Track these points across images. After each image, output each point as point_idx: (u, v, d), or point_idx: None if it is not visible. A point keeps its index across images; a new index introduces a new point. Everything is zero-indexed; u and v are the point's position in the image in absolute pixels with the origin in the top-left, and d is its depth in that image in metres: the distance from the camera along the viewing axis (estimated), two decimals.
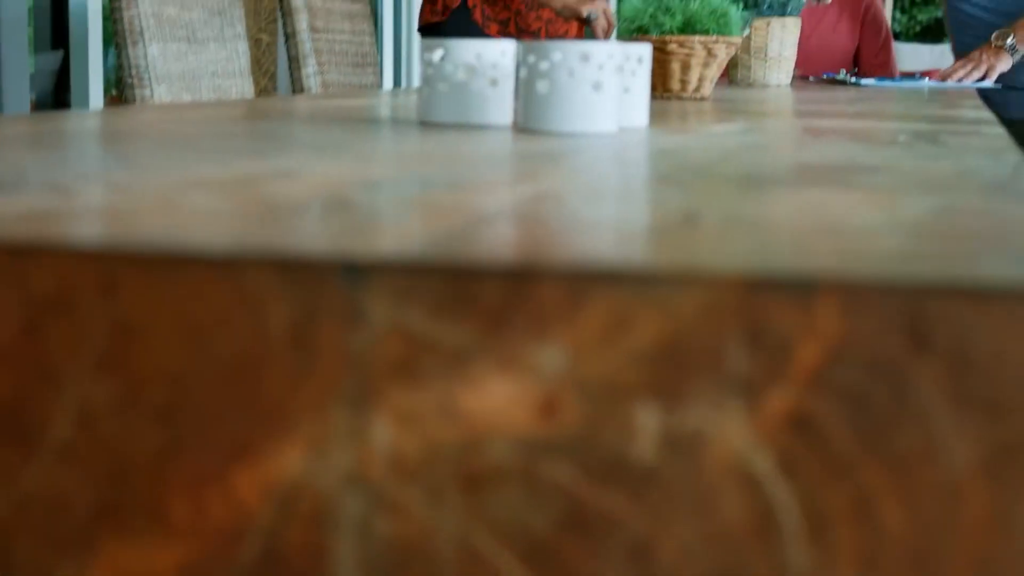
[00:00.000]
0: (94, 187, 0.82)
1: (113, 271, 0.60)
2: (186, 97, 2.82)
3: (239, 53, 3.04)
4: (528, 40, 3.68)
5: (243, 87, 3.03)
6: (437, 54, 1.50)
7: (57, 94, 5.06)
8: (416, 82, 6.59)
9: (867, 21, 4.04)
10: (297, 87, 3.43)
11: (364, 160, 1.06)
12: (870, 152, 1.25)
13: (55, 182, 0.84)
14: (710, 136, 1.44)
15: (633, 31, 2.41)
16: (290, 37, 3.42)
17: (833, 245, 0.64)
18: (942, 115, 1.97)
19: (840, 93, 2.84)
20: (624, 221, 0.72)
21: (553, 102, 1.40)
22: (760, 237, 0.66)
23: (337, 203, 0.76)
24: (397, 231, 0.66)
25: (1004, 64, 3.48)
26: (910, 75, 4.58)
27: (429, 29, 3.79)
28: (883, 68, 4.06)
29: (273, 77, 5.80)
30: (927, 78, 3.56)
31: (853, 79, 3.53)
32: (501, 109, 1.50)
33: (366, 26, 3.82)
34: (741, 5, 2.55)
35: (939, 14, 17.59)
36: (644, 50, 1.54)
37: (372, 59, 3.83)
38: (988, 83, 3.59)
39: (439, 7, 3.76)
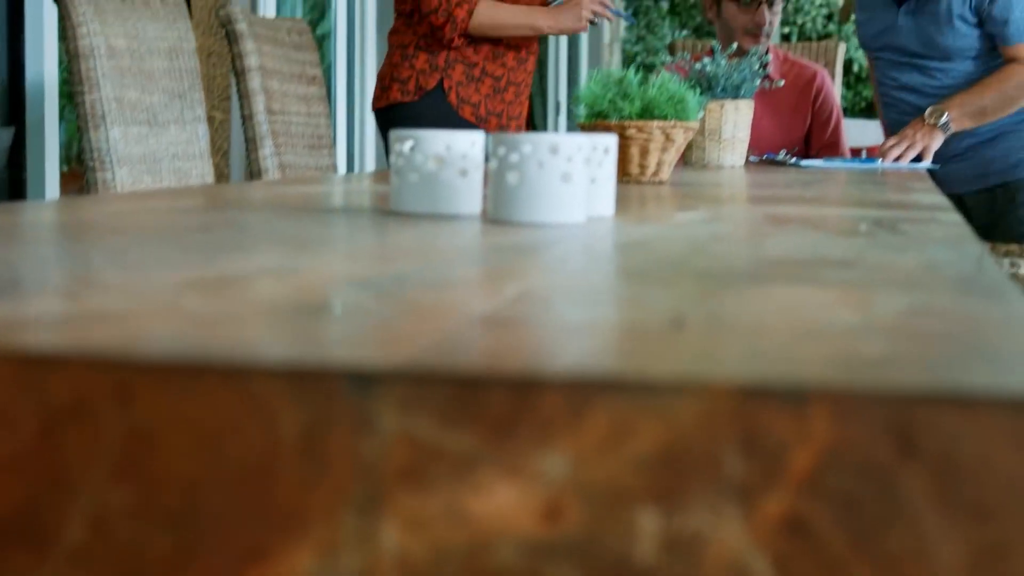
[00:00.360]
0: (92, 290, 0.84)
1: (129, 380, 0.62)
2: (147, 180, 2.84)
3: (199, 135, 3.06)
4: (496, 121, 3.79)
5: (203, 169, 3.06)
6: (407, 145, 1.53)
7: (10, 171, 5.06)
8: (369, 164, 6.64)
9: (818, 103, 4.11)
10: (254, 168, 3.45)
11: (347, 256, 1.08)
12: (835, 244, 1.28)
13: (52, 284, 0.86)
14: (676, 226, 1.47)
15: (592, 117, 2.46)
16: (247, 119, 3.45)
17: (819, 350, 0.67)
18: (898, 200, 2.01)
19: (793, 176, 2.89)
20: (613, 325, 0.75)
21: (523, 193, 1.43)
22: (747, 342, 0.69)
23: (332, 304, 0.79)
24: (398, 337, 0.68)
25: (937, 142, 3.56)
26: (856, 151, 4.65)
27: (396, 109, 3.81)
28: (834, 148, 4.13)
29: (226, 155, 5.82)
30: (880, 161, 3.62)
31: (793, 160, 3.59)
32: (471, 199, 1.53)
33: (322, 108, 3.86)
34: (697, 90, 2.59)
35: None
36: (611, 141, 1.57)
37: (327, 141, 3.86)
38: (926, 164, 3.66)
39: (411, 87, 3.79)
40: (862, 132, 11.99)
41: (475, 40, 3.76)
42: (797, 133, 4.12)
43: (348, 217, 1.50)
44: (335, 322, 0.73)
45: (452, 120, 3.76)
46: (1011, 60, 3.47)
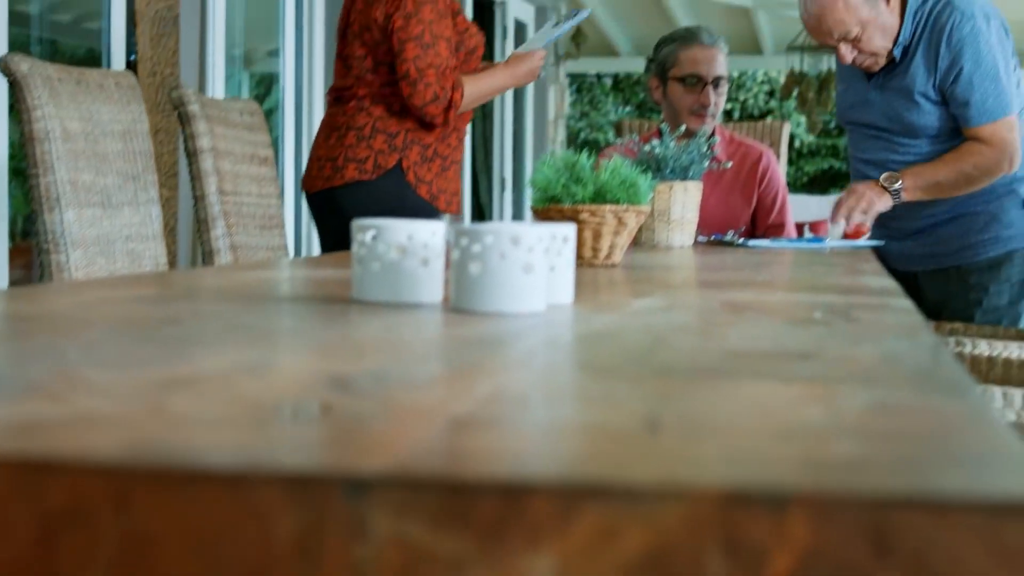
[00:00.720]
0: (77, 390, 0.85)
1: (126, 486, 0.63)
2: (101, 262, 2.85)
3: (152, 217, 3.08)
4: (444, 199, 3.87)
5: (156, 251, 3.07)
6: (369, 235, 1.55)
7: None
8: (316, 244, 6.65)
9: (764, 183, 4.17)
10: (206, 249, 3.46)
11: (319, 351, 1.10)
12: (793, 334, 1.31)
13: (36, 383, 0.88)
14: (634, 314, 1.50)
15: (546, 201, 2.49)
16: (199, 200, 3.46)
17: (793, 452, 0.69)
18: (848, 285, 2.05)
19: (742, 257, 2.93)
20: (589, 426, 0.77)
21: (485, 284, 1.45)
22: (723, 444, 0.71)
23: (316, 406, 0.80)
24: (385, 441, 0.70)
25: (884, 204, 3.58)
26: (800, 226, 4.71)
27: (354, 187, 3.89)
28: (780, 229, 4.18)
29: (173, 231, 5.83)
30: (827, 240, 3.66)
31: (741, 240, 3.64)
32: (432, 288, 1.55)
33: (273, 188, 3.88)
34: (647, 172, 2.63)
35: (825, 166, 18.08)
36: (569, 231, 1.60)
37: (279, 221, 3.88)
38: (871, 242, 3.71)
39: (368, 167, 3.89)
40: (804, 207, 12.11)
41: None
42: (744, 213, 4.18)
43: (312, 306, 1.52)
44: (322, 426, 0.75)
45: (409, 198, 3.89)
46: (972, 140, 3.51)
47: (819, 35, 3.65)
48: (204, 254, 3.47)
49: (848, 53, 3.62)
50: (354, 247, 1.58)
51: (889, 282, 2.13)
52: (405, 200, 3.87)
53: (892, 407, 0.85)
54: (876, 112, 3.72)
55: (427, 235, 1.55)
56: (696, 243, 3.51)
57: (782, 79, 13.68)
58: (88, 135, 2.91)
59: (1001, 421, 0.78)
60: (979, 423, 0.79)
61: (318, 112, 6.68)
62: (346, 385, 0.89)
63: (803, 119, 14.95)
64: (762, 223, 4.20)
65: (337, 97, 4.02)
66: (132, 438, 0.70)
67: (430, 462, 0.66)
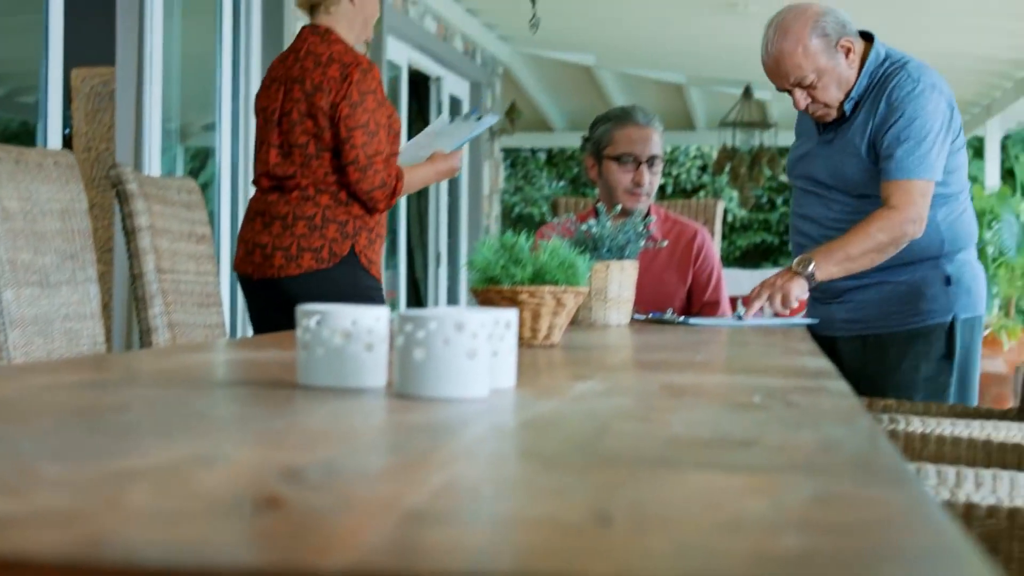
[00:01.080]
0: (35, 485, 0.86)
1: None
2: (39, 342, 2.84)
3: (90, 296, 3.07)
4: (379, 273, 3.98)
5: (94, 330, 3.06)
6: (314, 320, 1.57)
7: None
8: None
9: (699, 261, 4.22)
10: (143, 327, 3.46)
11: (271, 440, 1.11)
12: (733, 419, 1.33)
13: None
14: (577, 399, 1.52)
15: (485, 282, 2.51)
16: (137, 278, 3.46)
17: (740, 545, 0.71)
18: (786, 366, 2.09)
19: (679, 336, 2.96)
20: (542, 519, 0.79)
21: (430, 369, 1.47)
22: (672, 537, 0.73)
23: (270, 500, 0.82)
24: (346, 536, 0.71)
25: (799, 290, 3.60)
26: (733, 299, 4.74)
27: (312, 276, 4.01)
28: (715, 307, 4.23)
29: (108, 307, 5.81)
30: (762, 317, 3.70)
31: (680, 319, 3.67)
32: (376, 372, 1.57)
33: (210, 267, 3.88)
34: (586, 254, 2.66)
35: (758, 240, 18.25)
36: (512, 316, 1.62)
37: (216, 299, 3.88)
38: (804, 320, 3.75)
39: (324, 255, 4.01)
40: (736, 281, 12.20)
41: None
42: (679, 290, 4.22)
43: (258, 392, 1.53)
44: (278, 521, 0.76)
45: (363, 279, 4.05)
46: (885, 198, 3.53)
47: (776, 78, 3.69)
48: (141, 332, 3.46)
49: (802, 99, 3.66)
50: (299, 332, 1.59)
51: (825, 363, 2.16)
52: (358, 282, 4.01)
53: (834, 498, 0.87)
54: (819, 166, 3.77)
55: (371, 320, 1.57)
56: (633, 321, 3.54)
57: (714, 154, 13.84)
58: (27, 214, 2.91)
59: (941, 513, 0.80)
60: (921, 515, 0.81)
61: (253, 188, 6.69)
62: (298, 477, 0.90)
63: (735, 194, 15.10)
64: (697, 301, 4.24)
65: (276, 186, 4.10)
66: (90, 534, 0.71)
67: (387, 559, 0.67)
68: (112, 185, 3.44)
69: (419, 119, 10.18)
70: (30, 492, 0.83)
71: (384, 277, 8.23)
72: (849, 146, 3.66)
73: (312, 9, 4.20)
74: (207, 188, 6.63)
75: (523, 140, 15.24)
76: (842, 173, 3.69)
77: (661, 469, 0.99)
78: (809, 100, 3.67)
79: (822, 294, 3.79)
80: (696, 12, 9.59)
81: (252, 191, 6.66)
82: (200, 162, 7.45)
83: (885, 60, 3.66)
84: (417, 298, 10.36)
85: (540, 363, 2.11)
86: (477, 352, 1.48)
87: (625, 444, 1.14)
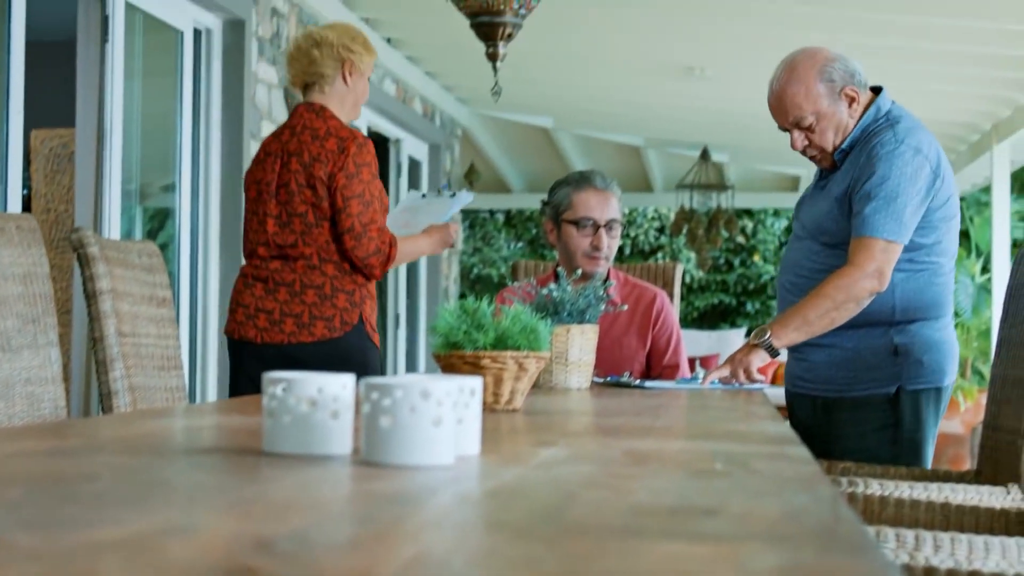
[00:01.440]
0: (10, 556, 0.87)
1: None
2: (0, 406, 2.83)
3: (51, 360, 3.07)
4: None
5: (55, 394, 3.05)
6: (280, 387, 1.58)
7: None
8: (211, 384, 6.62)
9: (658, 325, 4.24)
10: (104, 390, 3.45)
11: (242, 510, 1.12)
12: (696, 486, 1.35)
13: None
14: (541, 467, 1.53)
15: (448, 347, 2.52)
16: (98, 341, 3.46)
17: None
18: (745, 432, 2.10)
19: (639, 401, 2.98)
20: None
21: (396, 437, 1.48)
22: None
23: (243, 572, 0.83)
24: None
25: (758, 360, 3.62)
26: (691, 361, 4.76)
27: (324, 344, 4.19)
28: (674, 370, 4.25)
29: (67, 369, 5.78)
30: (718, 383, 3.72)
31: (637, 382, 3.69)
32: (342, 440, 1.58)
33: (171, 330, 3.88)
34: (547, 318, 2.68)
35: (715, 301, 18.34)
36: (476, 384, 1.64)
37: (177, 362, 3.87)
38: (760, 385, 3.77)
39: (336, 324, 4.19)
40: (695, 342, 12.26)
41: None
42: (639, 354, 4.24)
43: (225, 460, 1.53)
44: None
45: (369, 345, 4.25)
46: (850, 255, 3.53)
47: (777, 115, 3.73)
48: (102, 396, 3.46)
49: (799, 140, 3.71)
50: (265, 400, 1.60)
51: (784, 428, 2.18)
52: (366, 351, 4.21)
53: (798, 568, 0.89)
54: (806, 211, 3.80)
55: (337, 388, 1.58)
56: (593, 384, 3.56)
57: (672, 216, 13.92)
58: None
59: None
60: None
61: (214, 249, 6.69)
62: (270, 549, 0.91)
63: (693, 255, 15.18)
64: (657, 364, 4.26)
65: (279, 255, 4.24)
66: None
67: None
68: (73, 248, 3.44)
69: (378, 179, 10.20)
70: (3, 565, 0.84)
71: None
72: (830, 197, 3.68)
73: (306, 88, 4.37)
74: (165, 249, 6.62)
75: (482, 201, 15.29)
76: (819, 221, 3.71)
77: (628, 539, 1.00)
78: (806, 143, 3.71)
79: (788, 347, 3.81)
80: (653, 76, 9.68)
81: (213, 255, 6.68)
82: (158, 223, 7.45)
83: (881, 116, 3.68)
84: None
85: (503, 429, 2.12)
86: (443, 420, 1.49)
87: (591, 513, 1.15)
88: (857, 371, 3.67)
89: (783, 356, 3.81)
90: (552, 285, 3.42)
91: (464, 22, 8.05)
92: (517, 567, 0.88)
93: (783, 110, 3.69)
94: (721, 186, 12.64)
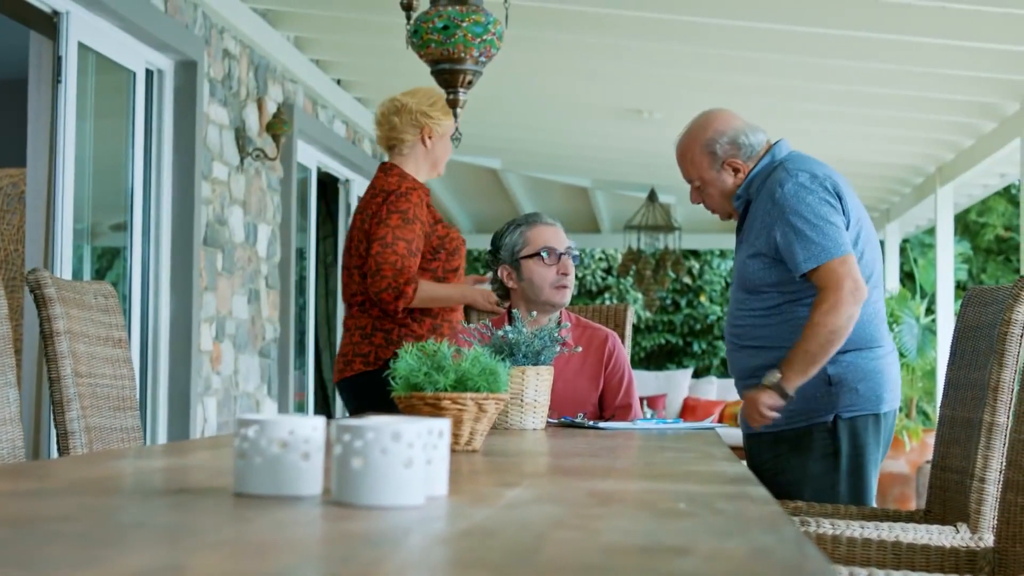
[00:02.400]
0: None
1: None
2: None
3: (9, 400, 3.07)
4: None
5: (13, 435, 3.06)
6: (252, 429, 1.60)
7: None
8: (161, 424, 6.61)
9: (610, 366, 4.28)
10: (60, 431, 3.45)
11: (222, 552, 1.15)
12: (664, 527, 1.38)
13: None
14: (509, 507, 1.56)
15: (408, 388, 2.55)
16: (54, 382, 3.46)
17: None
18: (705, 472, 2.14)
19: (595, 441, 3.01)
20: None
21: (367, 478, 1.51)
22: None
23: None
24: None
25: (768, 399, 3.69)
26: (640, 400, 4.80)
27: (361, 377, 4.64)
28: (626, 410, 4.28)
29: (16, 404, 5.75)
30: (668, 422, 3.77)
31: (591, 423, 3.73)
32: (312, 480, 1.60)
33: (127, 370, 3.88)
34: (504, 360, 2.71)
35: (662, 341, 18.43)
36: (444, 426, 1.67)
37: (132, 403, 3.88)
38: (711, 424, 3.85)
39: (371, 359, 4.62)
40: (643, 382, 12.31)
41: (419, 315, 4.63)
42: (591, 395, 4.27)
43: (199, 500, 1.55)
44: None
45: None
46: (818, 289, 3.66)
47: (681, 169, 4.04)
48: (59, 436, 3.46)
49: (693, 196, 4.04)
50: (236, 441, 1.62)
51: (742, 468, 2.22)
52: None
53: None
54: (736, 268, 3.95)
55: (308, 430, 1.61)
56: (548, 425, 3.59)
57: (620, 256, 14.00)
58: None
59: None
60: None
61: (164, 289, 6.69)
62: None
63: (640, 296, 15.27)
64: (610, 404, 4.29)
65: (350, 303, 4.73)
66: None
67: None
68: (31, 289, 3.45)
69: (328, 221, 10.23)
70: None
71: (292, 379, 8.24)
72: (745, 247, 3.81)
73: (390, 149, 4.84)
74: (115, 287, 6.60)
75: None
76: (740, 269, 3.85)
77: None
78: (700, 200, 4.02)
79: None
80: (601, 118, 9.76)
81: (164, 294, 6.69)
82: (107, 262, 7.44)
83: (777, 161, 3.85)
84: (325, 400, 10.34)
85: (464, 470, 2.15)
86: (413, 461, 1.52)
87: (565, 553, 1.18)
88: (797, 403, 3.75)
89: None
90: (508, 327, 3.45)
91: (413, 66, 8.09)
92: None
93: (680, 167, 4.05)
94: (668, 227, 12.73)
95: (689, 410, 13.31)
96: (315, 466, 1.61)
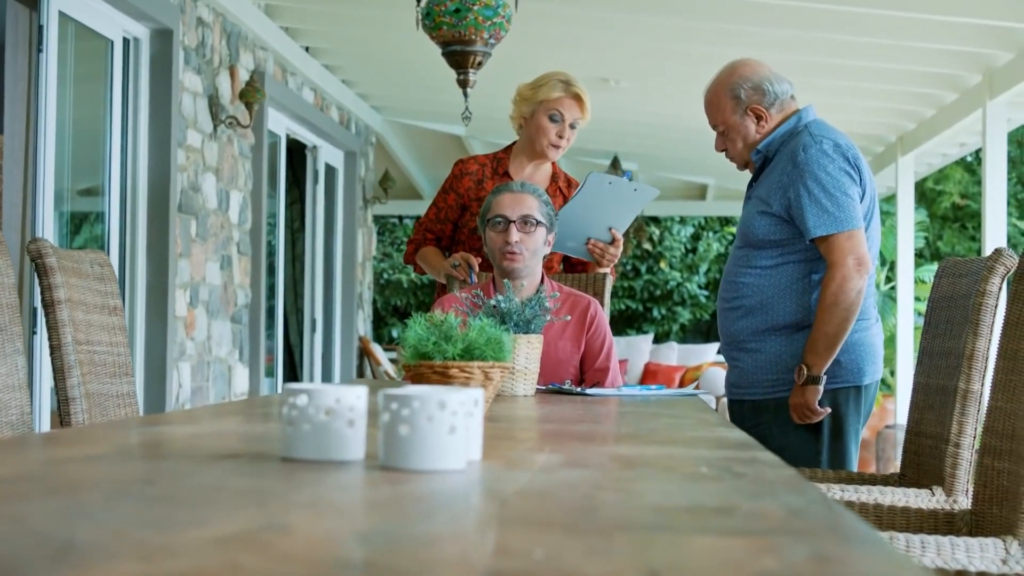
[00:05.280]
0: (154, 551, 0.99)
1: None
2: None
3: (18, 368, 3.15)
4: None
5: (22, 401, 3.14)
6: (301, 398, 1.70)
7: None
8: (142, 395, 6.68)
9: (592, 330, 4.39)
10: (61, 397, 3.53)
11: (314, 512, 1.25)
12: (697, 489, 1.49)
13: (90, 544, 1.01)
14: (547, 471, 1.67)
15: (418, 357, 2.65)
16: (55, 349, 3.54)
17: None
18: (709, 437, 2.25)
19: (590, 408, 3.12)
20: None
21: (414, 444, 1.61)
22: None
23: (367, 563, 0.95)
24: None
25: (813, 395, 3.82)
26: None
27: None
28: (605, 373, 4.39)
29: None
30: (652, 388, 3.89)
31: (578, 389, 3.84)
32: (356, 446, 1.71)
33: (122, 338, 3.96)
34: (509, 331, 2.82)
35: (623, 307, 18.59)
36: (479, 395, 1.77)
37: (128, 369, 3.96)
38: (692, 391, 3.96)
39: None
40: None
41: None
42: (574, 357, 4.38)
43: (253, 465, 1.65)
44: None
45: None
46: (825, 256, 3.80)
47: (707, 116, 4.18)
48: (59, 402, 3.54)
49: (718, 143, 4.17)
50: (285, 410, 1.72)
51: (742, 434, 2.33)
52: None
53: (829, 557, 1.03)
54: (740, 223, 4.06)
55: (353, 399, 1.71)
56: (536, 391, 3.70)
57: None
58: None
59: (919, 563, 0.96)
60: (910, 569, 0.97)
61: (141, 256, 6.75)
62: (369, 543, 1.04)
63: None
64: (589, 367, 4.40)
65: None
66: None
67: None
68: (32, 259, 3.52)
69: (294, 187, 10.28)
70: (156, 559, 0.96)
71: (262, 343, 8.29)
72: (760, 203, 3.92)
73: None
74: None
75: (393, 208, 15.39)
76: (747, 223, 3.97)
77: (667, 534, 1.14)
78: (723, 148, 4.14)
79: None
80: None
81: (143, 253, 6.75)
82: (75, 226, 7.48)
83: (801, 124, 3.96)
84: (291, 364, 10.43)
85: (485, 436, 2.24)
86: (456, 428, 1.62)
87: (620, 513, 1.29)
88: (779, 373, 3.89)
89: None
90: (499, 296, 3.55)
91: (380, 33, 8.12)
92: (593, 556, 1.02)
93: (707, 114, 4.16)
94: None
95: (650, 375, 13.45)
96: (359, 433, 1.71)
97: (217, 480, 1.48)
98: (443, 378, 2.61)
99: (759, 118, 4.00)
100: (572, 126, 4.97)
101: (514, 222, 4.30)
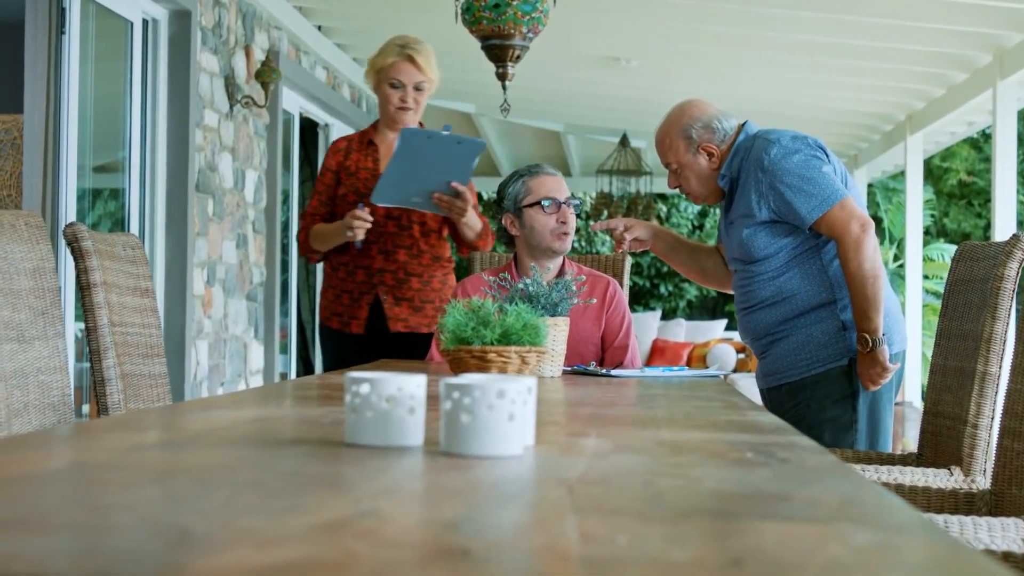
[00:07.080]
0: (258, 536, 1.06)
1: None
2: (17, 395, 2.99)
3: (59, 350, 3.23)
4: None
5: (62, 383, 3.21)
6: (364, 387, 1.78)
7: None
8: (191, 375, 6.76)
9: (611, 308, 4.47)
10: (97, 378, 3.60)
11: (399, 499, 1.32)
12: (750, 475, 1.57)
13: (232, 533, 1.08)
14: (599, 457, 1.74)
15: (456, 342, 2.73)
16: (91, 331, 3.61)
17: None
18: (743, 422, 2.32)
19: (619, 390, 3.19)
20: (688, 564, 1.01)
21: (476, 431, 1.68)
22: None
23: (462, 550, 1.03)
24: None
25: (883, 358, 3.92)
26: None
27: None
28: (624, 351, 4.47)
29: None
30: (674, 370, 3.97)
31: (604, 371, 3.91)
32: (416, 433, 1.78)
33: (153, 319, 4.04)
34: (543, 315, 2.89)
35: (630, 283, 18.66)
36: (533, 383, 1.85)
37: (159, 351, 4.04)
38: (716, 372, 4.06)
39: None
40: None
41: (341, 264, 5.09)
42: (595, 335, 4.46)
43: (322, 451, 1.72)
44: (488, 564, 0.98)
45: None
46: (830, 236, 3.91)
47: (659, 156, 4.31)
48: (95, 383, 3.62)
49: (671, 180, 4.31)
50: (348, 397, 1.80)
51: (774, 418, 2.41)
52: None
53: (890, 546, 1.11)
54: (730, 250, 4.15)
55: (413, 387, 1.79)
56: (562, 372, 3.77)
57: (587, 200, 14.16)
58: (3, 273, 3.07)
59: (985, 558, 1.04)
60: (965, 554, 1.05)
61: (160, 235, 6.83)
62: (460, 530, 1.12)
63: (607, 238, 15.40)
64: (609, 345, 4.48)
65: None
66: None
67: None
68: (68, 242, 3.59)
69: (306, 165, 10.35)
70: (263, 545, 1.03)
71: (278, 322, 8.36)
72: (747, 219, 4.02)
73: None
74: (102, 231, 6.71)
75: None
76: (745, 245, 4.05)
77: (733, 520, 1.21)
78: (677, 184, 4.29)
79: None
80: (577, 65, 9.89)
81: (162, 232, 6.83)
82: (88, 203, 7.55)
83: (748, 136, 4.10)
84: (304, 341, 10.54)
85: None
86: (515, 415, 1.70)
87: (682, 499, 1.36)
88: (812, 351, 4.00)
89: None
90: (527, 280, 3.63)
91: (393, 13, 8.17)
92: (672, 543, 1.09)
93: (659, 154, 4.30)
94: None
95: (658, 352, 13.53)
96: (419, 420, 1.79)
97: (295, 466, 1.55)
98: (481, 363, 2.69)
99: (710, 155, 4.17)
100: (418, 88, 5.02)
101: (563, 203, 4.41)
